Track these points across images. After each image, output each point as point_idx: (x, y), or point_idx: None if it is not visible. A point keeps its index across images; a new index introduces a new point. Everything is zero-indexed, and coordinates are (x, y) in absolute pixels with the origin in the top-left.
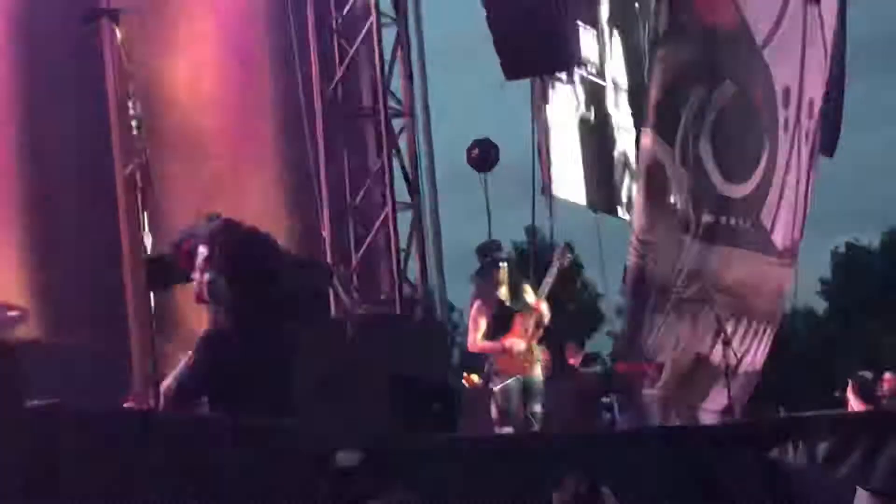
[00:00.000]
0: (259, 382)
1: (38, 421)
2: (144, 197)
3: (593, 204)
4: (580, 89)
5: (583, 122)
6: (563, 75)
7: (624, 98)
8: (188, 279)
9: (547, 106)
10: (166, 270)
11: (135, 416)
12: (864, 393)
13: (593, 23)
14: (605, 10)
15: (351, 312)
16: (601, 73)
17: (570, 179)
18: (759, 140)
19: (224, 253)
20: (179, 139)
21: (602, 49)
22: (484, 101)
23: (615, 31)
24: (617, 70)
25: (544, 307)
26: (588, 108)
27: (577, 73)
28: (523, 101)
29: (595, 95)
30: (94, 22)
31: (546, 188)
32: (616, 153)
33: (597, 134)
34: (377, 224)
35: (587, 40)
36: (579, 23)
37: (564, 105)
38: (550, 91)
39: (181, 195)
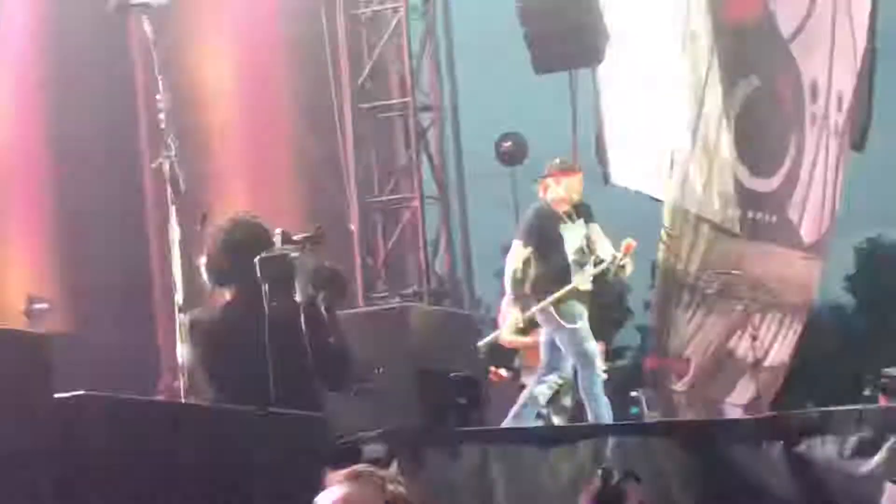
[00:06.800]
0: (238, 360)
1: (66, 413)
2: (172, 191)
3: None
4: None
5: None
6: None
7: None
8: None
9: (601, 95)
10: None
11: (165, 407)
12: (891, 391)
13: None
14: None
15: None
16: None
17: (633, 168)
18: (785, 134)
19: (209, 238)
20: (206, 134)
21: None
22: (513, 95)
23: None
24: None
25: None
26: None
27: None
28: (553, 94)
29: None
30: (123, 15)
31: (605, 178)
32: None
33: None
34: (405, 218)
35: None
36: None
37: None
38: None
39: (209, 190)
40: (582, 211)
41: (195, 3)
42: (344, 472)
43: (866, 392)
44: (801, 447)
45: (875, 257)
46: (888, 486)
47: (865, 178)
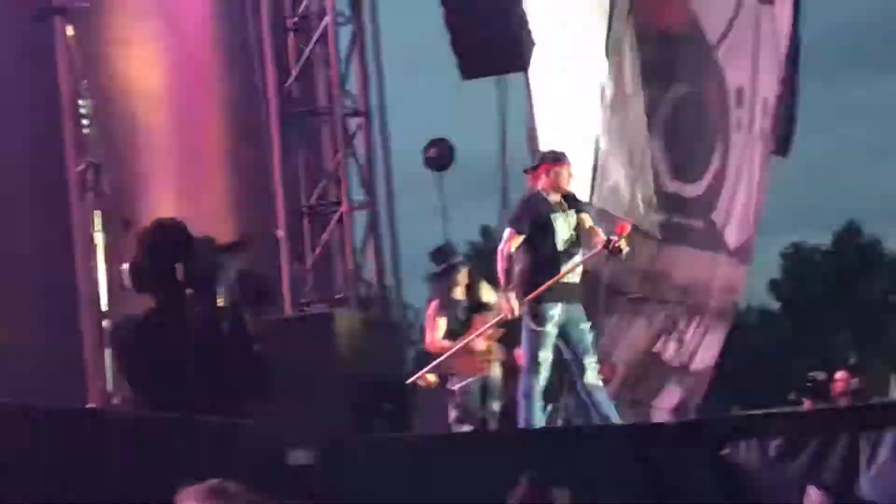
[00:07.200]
0: (171, 364)
1: None
2: (97, 195)
3: None
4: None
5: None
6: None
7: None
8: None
9: (532, 99)
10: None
11: (86, 414)
12: (816, 394)
13: None
14: None
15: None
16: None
17: None
18: (711, 140)
19: (134, 242)
20: (130, 138)
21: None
22: (440, 101)
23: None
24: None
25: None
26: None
27: (558, 85)
28: (480, 100)
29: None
30: (45, 20)
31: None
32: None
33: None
34: (332, 224)
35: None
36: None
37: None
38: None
39: (134, 194)
40: (572, 201)
41: (122, 6)
42: (197, 488)
43: (790, 397)
44: (726, 450)
45: (799, 262)
46: (810, 488)
47: (790, 183)
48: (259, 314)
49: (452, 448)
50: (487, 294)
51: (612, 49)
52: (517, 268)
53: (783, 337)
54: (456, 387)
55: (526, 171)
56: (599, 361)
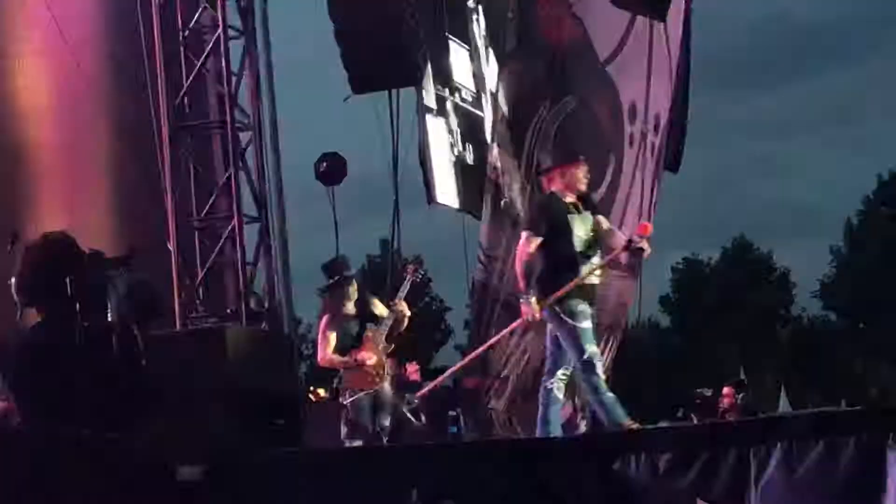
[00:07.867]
0: (54, 376)
1: None
2: None
3: None
4: (454, 122)
5: (459, 161)
6: (435, 107)
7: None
8: None
9: (427, 119)
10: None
11: None
12: (704, 410)
13: (466, 39)
14: (479, 26)
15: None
16: (477, 101)
17: (451, 188)
18: (603, 155)
19: (20, 257)
20: (19, 151)
21: (479, 69)
22: (332, 115)
23: (491, 49)
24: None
25: (403, 316)
26: (465, 147)
27: (450, 101)
28: (372, 114)
29: (472, 130)
30: None
31: (431, 198)
32: (502, 204)
33: (476, 177)
34: (223, 238)
35: (460, 59)
36: (449, 36)
37: (439, 141)
38: (427, 122)
39: (22, 208)
40: (587, 202)
41: (8, 19)
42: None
43: (679, 413)
44: (616, 465)
45: (690, 277)
46: (700, 503)
47: (680, 198)
48: (149, 328)
49: (344, 463)
50: (379, 307)
51: (505, 63)
52: (536, 271)
53: (673, 351)
54: (347, 401)
55: (539, 174)
56: (486, 375)
